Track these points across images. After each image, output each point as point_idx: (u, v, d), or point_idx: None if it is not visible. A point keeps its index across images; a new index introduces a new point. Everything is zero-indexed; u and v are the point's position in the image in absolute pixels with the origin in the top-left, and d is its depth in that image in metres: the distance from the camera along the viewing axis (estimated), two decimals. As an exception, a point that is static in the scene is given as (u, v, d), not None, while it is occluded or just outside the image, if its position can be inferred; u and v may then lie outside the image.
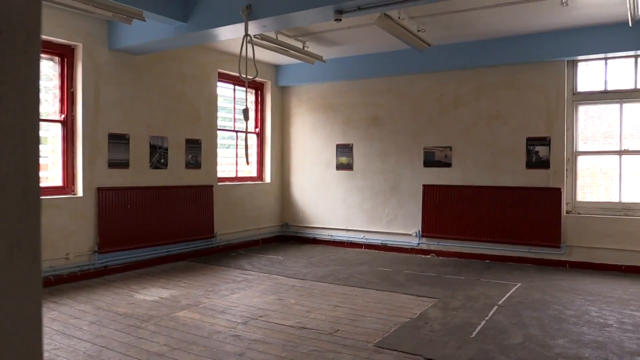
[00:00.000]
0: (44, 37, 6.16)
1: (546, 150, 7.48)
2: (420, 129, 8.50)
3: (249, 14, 5.44)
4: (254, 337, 4.41)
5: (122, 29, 6.63)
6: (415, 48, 7.29)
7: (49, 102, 6.54)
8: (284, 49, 7.51)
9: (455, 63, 7.91)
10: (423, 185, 8.45)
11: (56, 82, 6.54)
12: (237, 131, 9.29)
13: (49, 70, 6.53)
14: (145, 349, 4.14)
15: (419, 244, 8.50)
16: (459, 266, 7.52)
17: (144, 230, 7.28)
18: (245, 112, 5.48)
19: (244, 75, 5.48)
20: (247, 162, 5.49)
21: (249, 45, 5.45)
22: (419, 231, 8.48)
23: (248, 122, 5.39)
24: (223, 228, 8.65)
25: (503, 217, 7.75)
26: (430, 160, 8.42)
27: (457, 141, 8.17)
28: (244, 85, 9.33)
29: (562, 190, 7.37)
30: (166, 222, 7.60)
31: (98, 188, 6.73)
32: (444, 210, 8.25)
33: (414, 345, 4.18)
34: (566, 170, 7.46)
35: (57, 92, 6.54)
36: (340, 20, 5.20)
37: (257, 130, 9.72)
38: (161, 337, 4.42)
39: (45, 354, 4.00)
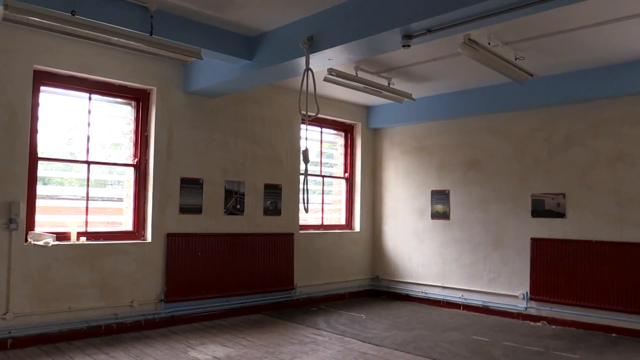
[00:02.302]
0: (120, 82, 6.20)
1: (690, 198, 5.98)
2: (526, 174, 7.35)
3: (311, 46, 4.96)
4: (292, 420, 3.67)
5: (194, 71, 6.50)
6: (516, 80, 6.31)
7: (126, 147, 6.52)
8: (366, 86, 6.92)
9: (566, 95, 6.74)
10: (531, 238, 7.21)
11: (132, 126, 6.52)
12: (323, 176, 8.79)
13: (126, 114, 6.54)
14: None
15: (526, 308, 7.20)
16: (576, 340, 6.15)
17: (216, 280, 6.90)
18: (305, 153, 4.92)
19: (303, 112, 4.96)
20: (306, 210, 4.87)
21: (311, 80, 4.95)
22: (526, 293, 7.20)
23: (307, 164, 4.80)
24: (304, 280, 8.04)
25: (635, 281, 6.28)
26: (540, 210, 7.19)
27: (572, 187, 6.89)
28: (331, 128, 8.92)
29: None
30: (241, 272, 7.17)
31: (168, 234, 6.50)
32: (557, 269, 6.92)
33: None
34: None
35: (132, 136, 6.51)
36: (409, 46, 4.50)
37: (347, 175, 9.13)
38: (189, 408, 3.84)
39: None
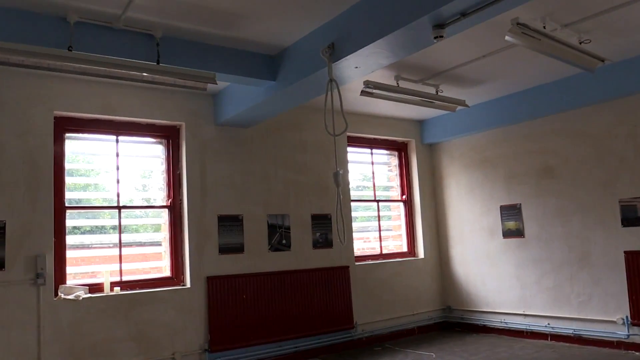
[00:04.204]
0: (147, 120, 5.91)
1: None
2: (610, 177, 6.29)
3: (332, 54, 4.38)
4: None
5: (223, 102, 6.10)
6: (585, 68, 5.40)
7: (158, 188, 6.18)
8: (411, 97, 6.23)
9: (649, 80, 5.74)
10: (625, 252, 6.11)
11: (164, 165, 6.18)
12: (378, 201, 8.07)
13: (157, 153, 6.22)
14: None
15: (628, 335, 6.05)
16: (697, 374, 5.00)
17: (265, 323, 6.31)
18: (336, 176, 4.30)
19: (330, 130, 4.36)
20: (341, 242, 4.21)
21: (336, 92, 4.35)
22: (626, 317, 6.07)
23: (340, 188, 4.16)
24: (365, 316, 7.28)
25: None
26: (631, 217, 6.09)
27: (669, 188, 5.80)
28: (382, 147, 8.24)
29: None
30: (292, 313, 6.55)
31: (208, 277, 6.02)
32: (662, 286, 5.79)
33: None
34: None
35: (165, 175, 6.16)
36: (442, 37, 3.81)
37: (404, 197, 8.36)
38: None
39: None
